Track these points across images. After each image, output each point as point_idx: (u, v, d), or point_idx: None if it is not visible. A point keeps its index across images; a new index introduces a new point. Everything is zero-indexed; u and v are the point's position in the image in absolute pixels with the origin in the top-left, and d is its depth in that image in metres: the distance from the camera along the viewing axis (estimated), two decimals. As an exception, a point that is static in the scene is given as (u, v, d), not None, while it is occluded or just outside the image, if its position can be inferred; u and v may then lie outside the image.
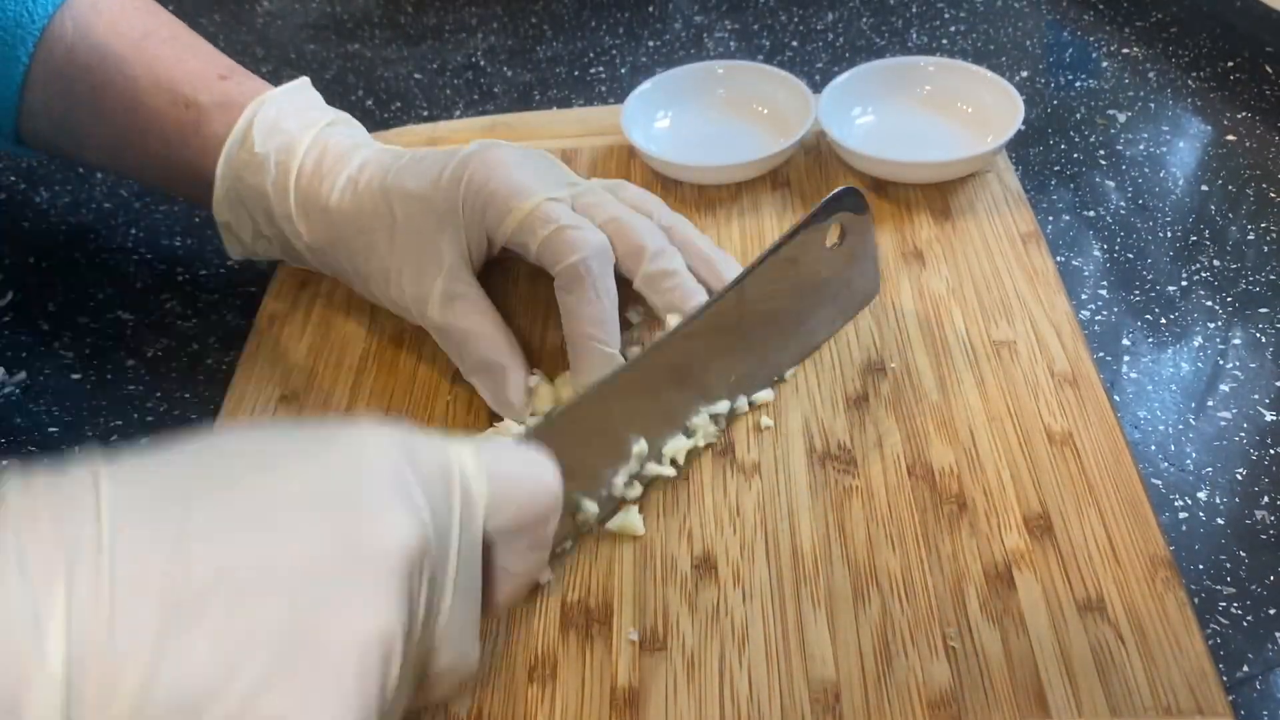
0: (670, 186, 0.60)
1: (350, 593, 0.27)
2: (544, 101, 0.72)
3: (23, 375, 0.55)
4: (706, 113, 0.63)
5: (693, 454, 0.46)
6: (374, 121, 0.72)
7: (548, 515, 0.34)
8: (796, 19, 0.79)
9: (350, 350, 0.53)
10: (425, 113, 0.73)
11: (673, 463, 0.45)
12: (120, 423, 0.52)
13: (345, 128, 0.53)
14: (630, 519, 0.43)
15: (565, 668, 0.40)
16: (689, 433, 0.45)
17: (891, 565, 0.41)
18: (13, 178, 0.70)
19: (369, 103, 0.74)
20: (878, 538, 0.42)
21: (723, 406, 0.46)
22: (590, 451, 0.42)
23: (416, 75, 0.76)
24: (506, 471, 0.33)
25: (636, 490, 0.44)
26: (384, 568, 0.27)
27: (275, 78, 0.77)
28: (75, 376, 0.55)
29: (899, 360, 0.49)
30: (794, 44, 0.76)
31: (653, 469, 0.44)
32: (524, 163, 0.48)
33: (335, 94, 0.75)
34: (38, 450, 0.51)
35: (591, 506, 0.42)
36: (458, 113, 0.71)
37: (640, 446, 0.43)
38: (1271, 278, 0.54)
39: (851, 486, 0.44)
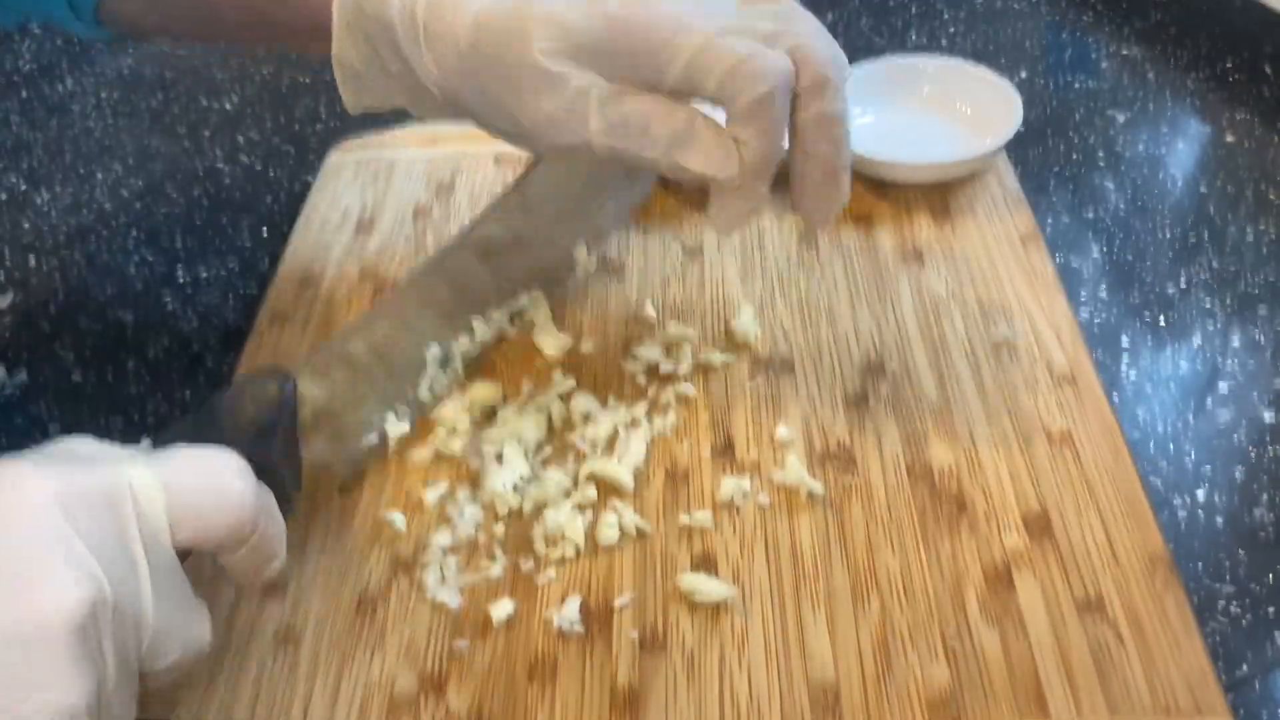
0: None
1: (26, 674, 0.27)
2: (544, 102, 0.72)
3: (23, 375, 0.56)
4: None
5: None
6: (374, 122, 0.72)
7: (239, 524, 0.33)
8: (796, 19, 0.79)
9: (350, 350, 0.53)
10: (425, 113, 0.72)
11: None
12: (120, 422, 0.52)
13: None
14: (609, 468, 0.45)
15: (565, 668, 0.40)
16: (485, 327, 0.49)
17: (891, 566, 0.41)
18: (13, 178, 0.70)
19: (369, 103, 0.74)
20: (877, 538, 0.42)
21: (523, 300, 0.51)
22: (384, 368, 0.46)
23: (416, 76, 0.76)
24: (184, 484, 0.32)
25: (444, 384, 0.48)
26: (53, 640, 0.28)
27: (276, 76, 0.78)
28: (75, 376, 0.55)
29: (898, 360, 0.49)
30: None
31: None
32: None
33: (336, 94, 0.75)
34: (38, 450, 0.51)
35: (400, 418, 0.47)
36: (458, 113, 0.71)
37: (434, 352, 0.47)
38: (1270, 278, 0.54)
39: (851, 486, 0.44)
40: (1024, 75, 0.71)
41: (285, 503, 0.38)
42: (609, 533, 0.43)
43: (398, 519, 0.45)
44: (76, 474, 0.30)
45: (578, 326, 0.53)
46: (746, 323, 0.51)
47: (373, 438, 0.47)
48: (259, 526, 0.34)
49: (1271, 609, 0.41)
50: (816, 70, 0.39)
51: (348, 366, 0.45)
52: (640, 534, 0.43)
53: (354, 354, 0.46)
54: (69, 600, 0.28)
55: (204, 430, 0.38)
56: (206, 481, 0.33)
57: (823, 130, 0.40)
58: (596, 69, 0.39)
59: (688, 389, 0.49)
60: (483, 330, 0.49)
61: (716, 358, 0.50)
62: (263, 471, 0.36)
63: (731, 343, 0.51)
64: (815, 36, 0.40)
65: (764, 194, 0.40)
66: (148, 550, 0.31)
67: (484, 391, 0.48)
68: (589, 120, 0.39)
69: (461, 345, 0.49)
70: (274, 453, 0.39)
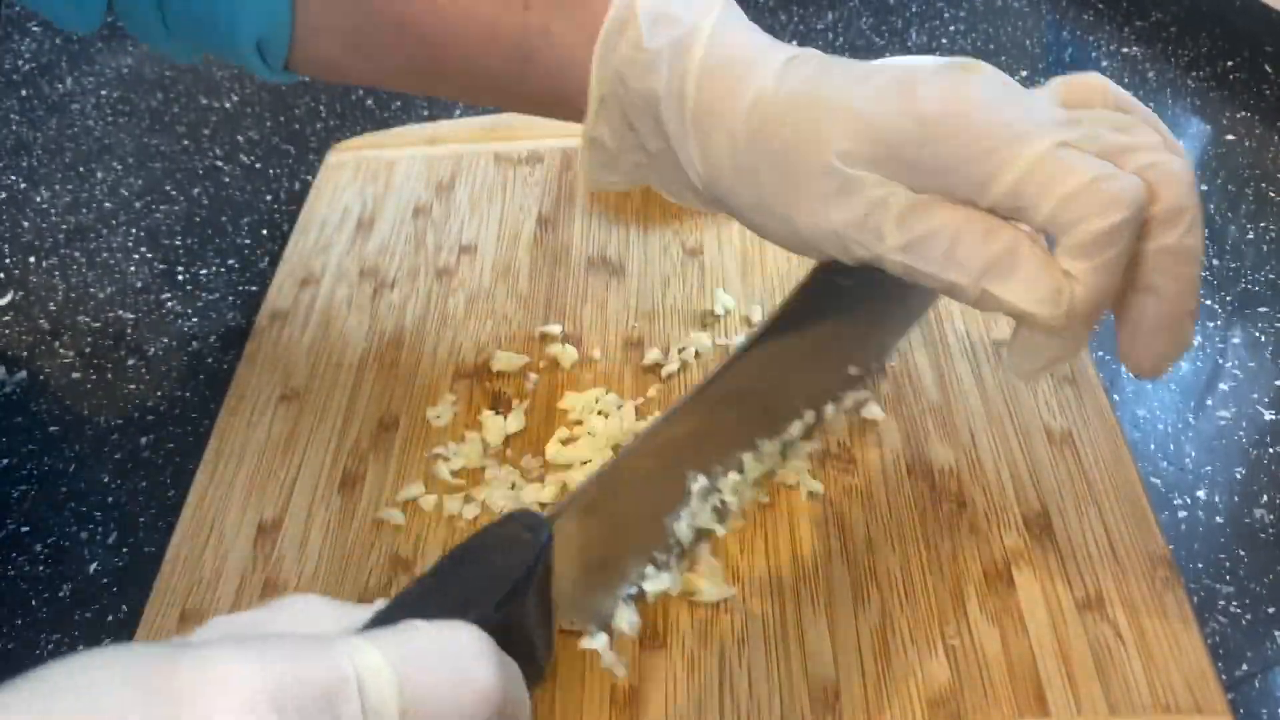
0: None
1: None
2: (544, 101, 0.72)
3: (23, 375, 0.56)
4: None
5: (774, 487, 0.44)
6: (374, 121, 0.72)
7: (477, 717, 0.28)
8: (796, 19, 0.79)
9: (350, 350, 0.53)
10: (425, 112, 0.73)
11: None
12: (120, 422, 0.52)
13: (742, 21, 0.39)
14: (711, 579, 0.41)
15: (565, 667, 0.40)
16: (756, 460, 0.42)
17: (891, 564, 0.41)
18: (13, 177, 0.70)
19: (369, 102, 0.74)
20: (877, 537, 0.42)
21: (795, 429, 0.44)
22: (641, 506, 0.39)
23: (416, 75, 0.76)
24: (421, 674, 0.27)
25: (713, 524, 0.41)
26: None
27: (275, 77, 0.78)
28: (75, 376, 0.55)
29: (899, 359, 0.49)
30: (793, 44, 0.76)
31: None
32: (1009, 97, 0.33)
33: (336, 93, 0.75)
34: (38, 450, 0.51)
35: (660, 568, 0.40)
36: (458, 112, 0.71)
37: (700, 484, 0.40)
38: (1271, 277, 0.54)
39: (851, 486, 0.44)
40: (1024, 74, 0.70)
41: (534, 669, 0.32)
42: None
43: (397, 516, 0.45)
44: (293, 665, 0.25)
45: (578, 326, 0.53)
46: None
47: (630, 591, 0.39)
48: (502, 711, 0.28)
49: (1271, 608, 0.41)
50: (1175, 198, 0.33)
51: (612, 505, 0.37)
52: (640, 533, 0.43)
53: (607, 488, 0.37)
54: None
55: (449, 583, 0.32)
56: (446, 670, 0.28)
57: (1173, 266, 0.33)
58: (900, 177, 0.33)
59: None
60: (753, 466, 0.42)
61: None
62: (510, 633, 0.30)
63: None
64: (1170, 153, 0.33)
65: (1086, 339, 0.35)
66: None
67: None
68: (884, 235, 0.33)
69: (730, 480, 0.41)
70: (527, 613, 0.32)
